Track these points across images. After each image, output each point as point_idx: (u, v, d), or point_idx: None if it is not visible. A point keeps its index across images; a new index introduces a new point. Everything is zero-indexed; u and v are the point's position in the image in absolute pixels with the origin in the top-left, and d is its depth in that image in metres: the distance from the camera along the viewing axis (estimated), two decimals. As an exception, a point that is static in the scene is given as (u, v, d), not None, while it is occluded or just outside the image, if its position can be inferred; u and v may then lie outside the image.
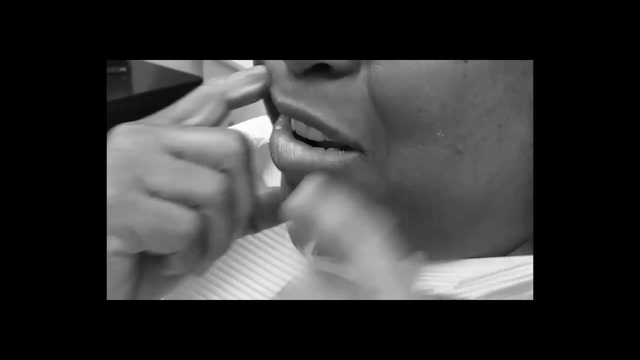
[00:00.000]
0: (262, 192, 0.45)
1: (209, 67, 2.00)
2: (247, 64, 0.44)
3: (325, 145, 0.40)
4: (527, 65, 0.37)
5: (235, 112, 0.45)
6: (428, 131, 0.37)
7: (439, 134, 0.37)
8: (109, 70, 1.95)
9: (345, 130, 0.38)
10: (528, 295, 0.39)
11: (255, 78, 0.42)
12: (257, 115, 0.53)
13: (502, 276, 0.40)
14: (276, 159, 0.41)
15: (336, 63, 0.38)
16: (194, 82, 1.91)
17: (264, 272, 0.50)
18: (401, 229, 0.35)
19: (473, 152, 0.37)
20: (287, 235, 0.47)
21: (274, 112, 0.43)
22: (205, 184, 0.39)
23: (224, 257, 0.44)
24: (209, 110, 0.43)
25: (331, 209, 0.32)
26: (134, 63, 2.07)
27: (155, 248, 0.40)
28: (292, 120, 0.41)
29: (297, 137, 0.41)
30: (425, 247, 0.39)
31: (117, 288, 0.40)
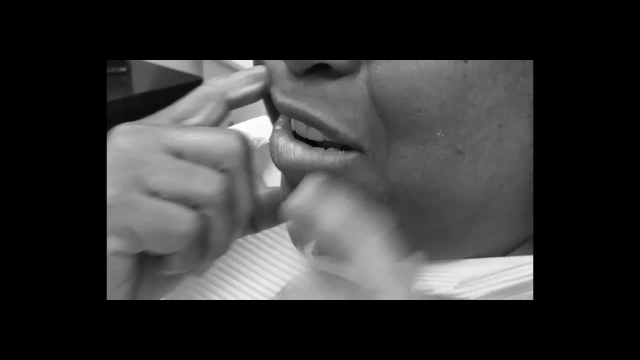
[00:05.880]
0: (262, 192, 0.45)
1: (209, 67, 1.99)
2: (247, 64, 0.44)
3: (325, 145, 0.40)
4: (527, 65, 0.37)
5: (235, 112, 0.45)
6: (428, 131, 0.37)
7: (439, 134, 0.37)
8: (109, 70, 1.95)
9: (345, 130, 0.38)
10: (528, 295, 0.39)
11: (255, 78, 0.43)
12: (257, 115, 0.53)
13: (502, 276, 0.40)
14: (276, 159, 0.41)
15: (336, 63, 0.38)
16: (194, 82, 1.92)
17: (264, 272, 0.50)
18: (401, 229, 0.35)
19: (473, 152, 0.37)
20: (287, 235, 0.47)
21: (274, 112, 0.43)
22: (205, 184, 0.39)
23: (224, 257, 0.44)
24: (209, 110, 0.43)
25: (331, 209, 0.32)
26: (134, 63, 2.07)
27: (155, 248, 0.40)
28: (292, 120, 0.41)
29: (297, 137, 0.41)
30: (425, 247, 0.39)
31: (117, 288, 0.40)
